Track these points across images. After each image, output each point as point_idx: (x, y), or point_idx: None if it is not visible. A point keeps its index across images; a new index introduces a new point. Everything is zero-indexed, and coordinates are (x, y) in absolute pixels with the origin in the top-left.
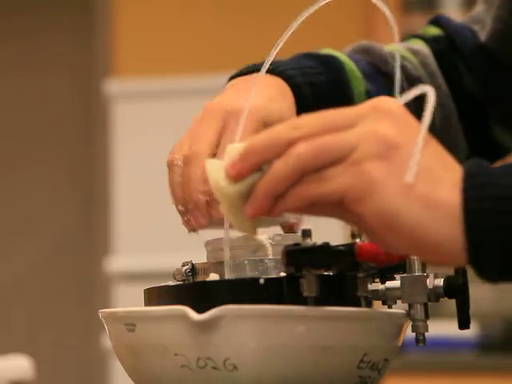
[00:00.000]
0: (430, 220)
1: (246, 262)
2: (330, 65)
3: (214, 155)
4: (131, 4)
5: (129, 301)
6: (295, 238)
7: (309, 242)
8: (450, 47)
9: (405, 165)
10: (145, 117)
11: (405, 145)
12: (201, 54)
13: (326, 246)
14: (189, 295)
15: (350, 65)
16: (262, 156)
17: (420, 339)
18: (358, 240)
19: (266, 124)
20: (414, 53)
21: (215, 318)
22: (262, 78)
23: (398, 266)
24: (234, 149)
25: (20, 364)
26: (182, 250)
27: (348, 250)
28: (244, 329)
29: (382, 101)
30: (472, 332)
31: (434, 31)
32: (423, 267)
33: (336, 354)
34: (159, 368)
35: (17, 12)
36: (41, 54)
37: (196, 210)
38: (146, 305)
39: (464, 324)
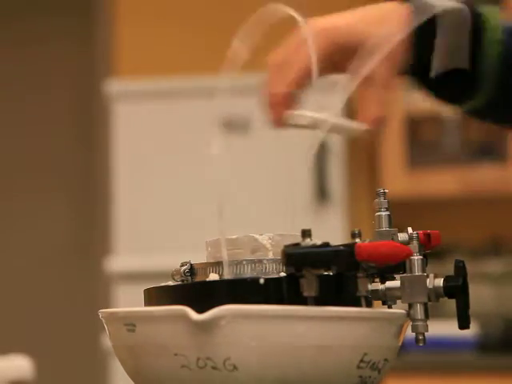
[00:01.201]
0: None
1: (245, 262)
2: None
3: None
4: (131, 6)
5: (129, 301)
6: (295, 238)
7: (309, 241)
8: None
9: None
10: (145, 117)
11: None
12: (200, 54)
13: (325, 246)
14: (189, 295)
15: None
16: None
17: (420, 339)
18: (357, 240)
19: (337, 44)
20: None
21: (215, 318)
22: (388, 4)
23: (398, 265)
24: None
25: (20, 364)
26: (182, 250)
27: (348, 250)
28: (244, 329)
29: None
30: (472, 332)
31: None
32: (423, 267)
33: (336, 353)
34: (159, 368)
35: (19, 13)
36: (43, 55)
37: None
38: (145, 305)
39: (464, 324)
